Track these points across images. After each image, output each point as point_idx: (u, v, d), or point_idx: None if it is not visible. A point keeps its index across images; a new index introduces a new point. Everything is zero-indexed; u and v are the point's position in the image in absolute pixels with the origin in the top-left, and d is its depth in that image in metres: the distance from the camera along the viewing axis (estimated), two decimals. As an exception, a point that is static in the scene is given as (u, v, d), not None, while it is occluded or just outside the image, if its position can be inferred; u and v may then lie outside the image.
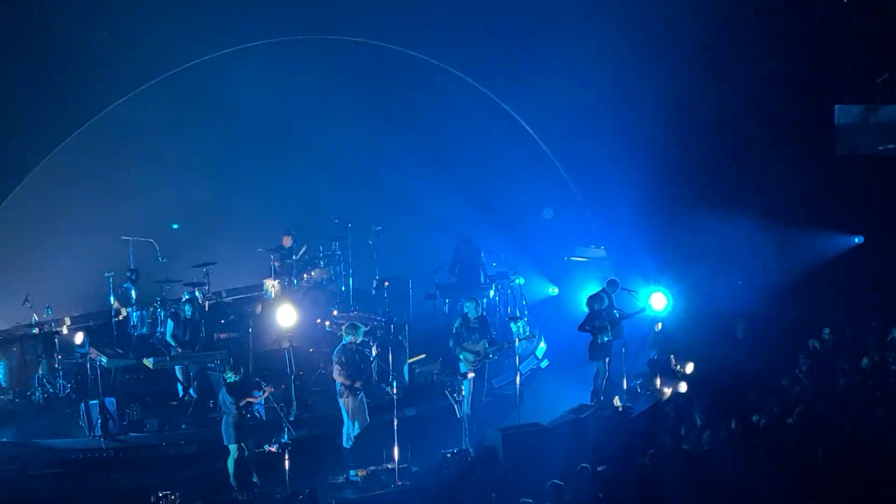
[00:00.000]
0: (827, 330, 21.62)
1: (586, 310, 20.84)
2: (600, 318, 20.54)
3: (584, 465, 15.42)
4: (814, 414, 16.67)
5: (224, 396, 16.84)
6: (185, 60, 21.54)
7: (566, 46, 24.63)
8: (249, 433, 16.95)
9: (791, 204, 25.44)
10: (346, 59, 25.14)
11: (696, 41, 24.95)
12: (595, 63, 24.73)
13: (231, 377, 16.97)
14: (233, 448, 16.84)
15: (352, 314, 22.17)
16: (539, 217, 26.85)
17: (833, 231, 26.11)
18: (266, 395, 17.21)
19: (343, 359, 17.80)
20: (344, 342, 18.02)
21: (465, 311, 19.69)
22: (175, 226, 22.55)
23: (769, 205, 25.27)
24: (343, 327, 18.39)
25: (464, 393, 18.89)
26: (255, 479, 16.96)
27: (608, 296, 20.96)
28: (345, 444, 18.00)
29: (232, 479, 16.89)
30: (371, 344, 19.41)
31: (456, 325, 19.59)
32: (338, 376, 17.85)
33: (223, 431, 16.89)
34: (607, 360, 20.64)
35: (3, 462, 17.53)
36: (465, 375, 18.74)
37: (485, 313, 20.05)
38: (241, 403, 16.79)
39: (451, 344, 19.53)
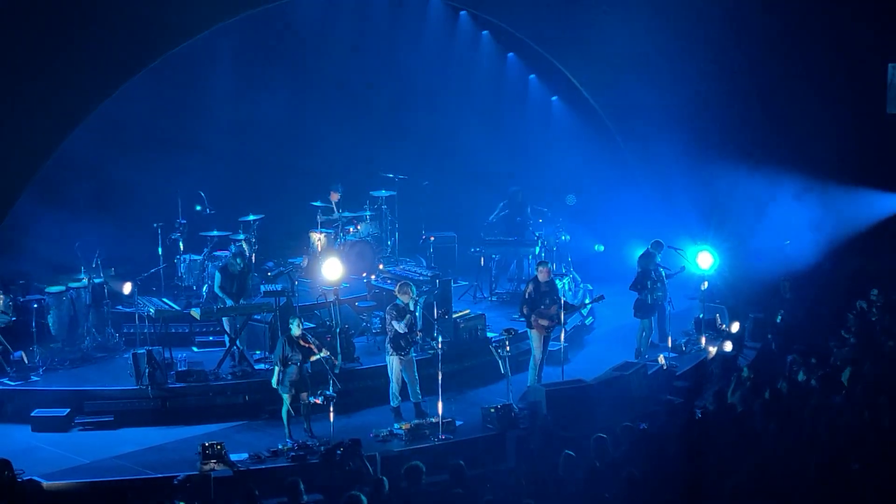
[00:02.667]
0: (875, 291, 21.47)
1: (637, 268, 20.83)
2: (651, 278, 20.51)
3: (626, 423, 15.46)
4: (861, 375, 16.59)
5: (285, 347, 16.98)
6: (235, 12, 21.48)
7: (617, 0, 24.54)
8: (306, 384, 17.08)
9: (840, 163, 25.21)
10: (399, 15, 25.20)
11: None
12: (643, 19, 24.60)
13: (295, 330, 17.07)
14: (286, 397, 17.01)
15: (397, 269, 22.22)
16: (588, 173, 26.73)
17: (882, 190, 25.87)
18: (321, 356, 17.19)
19: (389, 318, 17.84)
20: (397, 302, 17.99)
21: (535, 274, 19.31)
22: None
23: (818, 163, 25.04)
24: (397, 288, 18.26)
25: (537, 357, 18.94)
26: (305, 427, 17.13)
27: (655, 255, 20.91)
28: (392, 403, 18.07)
29: (286, 428, 17.03)
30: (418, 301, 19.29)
31: (528, 291, 19.05)
32: (400, 328, 17.85)
33: (280, 380, 17.05)
34: (653, 318, 20.64)
35: (52, 410, 17.76)
36: (508, 332, 18.66)
37: (552, 276, 19.79)
38: (301, 356, 16.94)
39: (524, 311, 18.99)
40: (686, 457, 13.85)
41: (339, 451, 15.22)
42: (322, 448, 16.08)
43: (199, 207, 22.20)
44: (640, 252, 21.14)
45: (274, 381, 17.12)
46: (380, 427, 17.43)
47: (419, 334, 17.85)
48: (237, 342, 19.22)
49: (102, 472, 15.95)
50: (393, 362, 17.88)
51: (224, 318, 19.44)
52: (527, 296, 18.97)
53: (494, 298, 23.49)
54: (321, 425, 16.80)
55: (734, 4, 24.79)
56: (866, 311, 20.92)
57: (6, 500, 13.90)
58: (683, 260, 21.61)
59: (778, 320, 21.75)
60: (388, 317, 17.96)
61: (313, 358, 17.06)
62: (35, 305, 19.68)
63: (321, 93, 24.95)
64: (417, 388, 17.96)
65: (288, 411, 17.04)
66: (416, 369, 17.94)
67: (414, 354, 18.05)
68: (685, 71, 25.31)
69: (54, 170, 20.57)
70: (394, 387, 17.98)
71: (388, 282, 21.19)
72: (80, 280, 20.28)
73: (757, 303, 23.12)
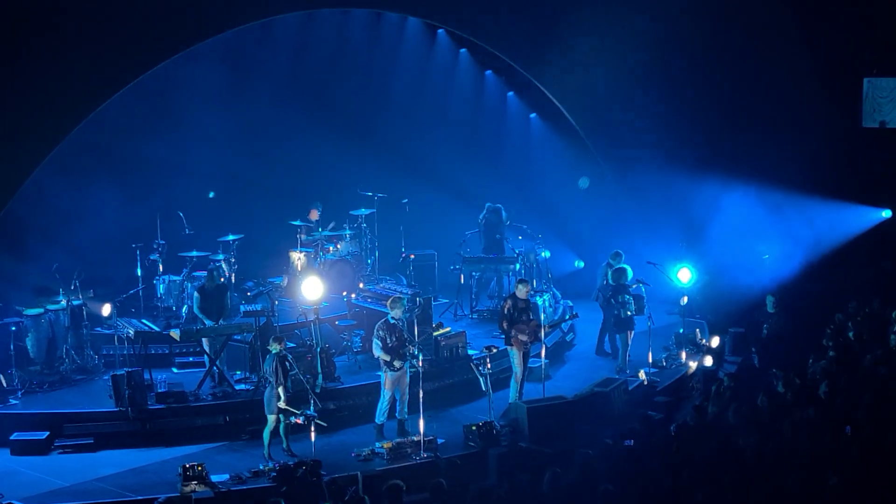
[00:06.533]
0: (853, 304, 21.55)
1: (611, 283, 20.95)
2: (623, 292, 20.60)
3: (607, 440, 15.51)
4: (839, 388, 16.64)
5: (267, 367, 16.92)
6: (214, 31, 21.49)
7: (594, 19, 24.62)
8: (292, 402, 16.96)
9: (817, 176, 25.34)
10: (377, 33, 25.28)
11: (724, 12, 24.88)
12: (622, 35, 24.72)
13: (275, 349, 17.03)
14: (271, 419, 16.95)
15: (378, 287, 22.22)
16: (567, 190, 26.77)
17: (859, 203, 26.02)
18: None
19: (381, 333, 17.80)
20: (388, 318, 17.98)
21: (514, 291, 19.27)
22: (211, 194, 22.72)
23: (795, 177, 25.17)
24: (388, 302, 18.27)
25: (518, 374, 18.89)
26: (284, 447, 17.06)
27: (625, 268, 21.01)
28: (377, 420, 18.02)
29: (266, 449, 16.98)
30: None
31: (507, 307, 18.96)
32: (377, 352, 17.85)
33: (265, 401, 17.00)
34: (630, 333, 20.70)
35: (31, 434, 17.66)
36: (489, 349, 18.65)
37: (531, 293, 19.78)
38: (282, 376, 16.88)
39: (504, 326, 18.95)
40: (665, 472, 13.88)
41: (300, 471, 15.27)
42: (291, 465, 16.05)
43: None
44: (606, 268, 21.39)
45: (282, 403, 16.90)
46: (361, 446, 17.39)
47: (411, 349, 17.80)
48: (217, 363, 19.19)
49: (82, 495, 15.86)
50: (385, 377, 17.88)
51: (204, 339, 19.40)
52: (506, 312, 18.96)
53: (475, 316, 23.48)
54: (302, 445, 16.78)
55: (710, 21, 24.92)
56: (844, 323, 20.99)
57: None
58: (667, 274, 21.78)
59: (763, 333, 21.79)
60: (374, 335, 17.96)
61: (294, 376, 17.05)
62: (13, 328, 19.59)
63: (300, 112, 24.95)
64: (405, 405, 17.95)
65: (271, 431, 17.00)
66: (407, 385, 17.92)
67: (409, 368, 17.94)
68: (662, 87, 25.45)
69: (32, 191, 20.53)
70: (384, 403, 17.96)
71: (369, 300, 21.21)
72: (58, 302, 20.22)
73: (737, 317, 23.18)
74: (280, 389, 16.89)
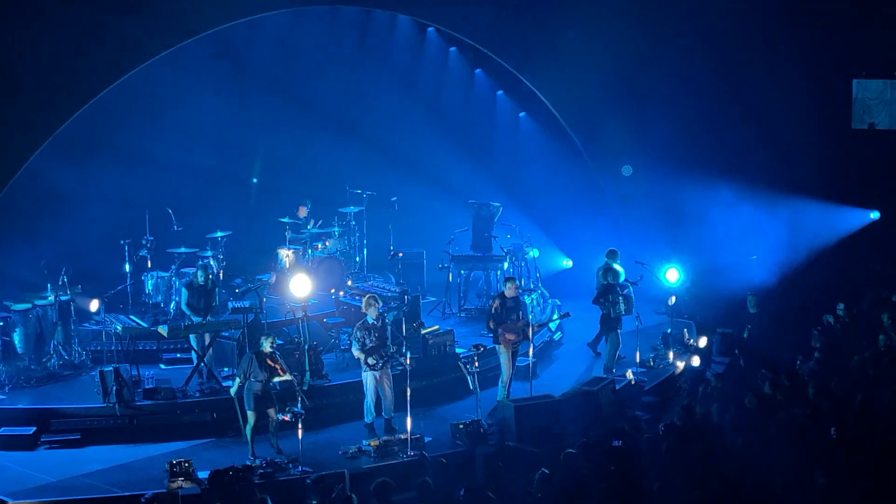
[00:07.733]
0: (841, 305, 21.59)
1: (601, 281, 20.93)
2: (613, 292, 20.58)
3: (584, 439, 15.53)
4: (827, 389, 16.66)
5: (252, 363, 16.90)
6: (204, 28, 21.46)
7: (584, 18, 24.64)
8: (272, 402, 16.94)
9: (807, 178, 25.41)
10: (367, 31, 25.27)
11: (714, 14, 24.92)
12: (612, 35, 24.74)
13: (264, 347, 17.00)
14: (251, 415, 16.89)
15: (366, 285, 22.20)
16: (555, 189, 26.78)
17: (848, 205, 26.09)
18: (284, 378, 17.05)
19: (359, 334, 17.80)
20: (366, 319, 17.96)
21: (502, 289, 19.22)
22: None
23: (785, 178, 25.23)
24: (363, 303, 18.28)
25: (503, 376, 18.86)
26: (272, 443, 17.00)
27: (618, 269, 20.96)
28: (366, 419, 18.00)
29: (250, 445, 16.91)
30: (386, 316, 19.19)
31: (495, 306, 18.91)
32: (355, 352, 17.87)
33: (245, 398, 16.95)
34: (617, 333, 20.68)
35: (18, 429, 17.61)
36: (477, 347, 18.62)
37: (520, 292, 19.80)
38: (267, 375, 16.85)
39: (491, 326, 18.88)
40: (653, 472, 13.89)
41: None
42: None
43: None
44: (604, 267, 21.32)
45: (233, 390, 17.05)
46: (348, 444, 17.36)
47: (393, 349, 17.79)
48: (205, 359, 19.14)
49: (69, 490, 15.80)
50: (367, 377, 17.84)
51: (191, 336, 19.36)
52: (493, 311, 18.92)
53: (463, 314, 23.46)
54: (290, 442, 16.74)
55: (700, 22, 24.97)
56: (833, 325, 21.02)
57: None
58: (655, 274, 21.74)
59: (745, 335, 21.83)
60: (353, 336, 17.94)
61: (277, 379, 16.96)
62: (0, 323, 19.54)
63: (289, 108, 24.93)
64: (391, 404, 17.92)
65: (252, 428, 16.96)
66: (391, 385, 17.90)
67: (391, 369, 17.96)
68: (651, 88, 25.47)
69: (20, 185, 20.47)
70: (368, 402, 17.92)
71: (357, 298, 21.13)
72: (46, 297, 20.13)
73: (724, 318, 23.22)
74: (238, 380, 16.90)
